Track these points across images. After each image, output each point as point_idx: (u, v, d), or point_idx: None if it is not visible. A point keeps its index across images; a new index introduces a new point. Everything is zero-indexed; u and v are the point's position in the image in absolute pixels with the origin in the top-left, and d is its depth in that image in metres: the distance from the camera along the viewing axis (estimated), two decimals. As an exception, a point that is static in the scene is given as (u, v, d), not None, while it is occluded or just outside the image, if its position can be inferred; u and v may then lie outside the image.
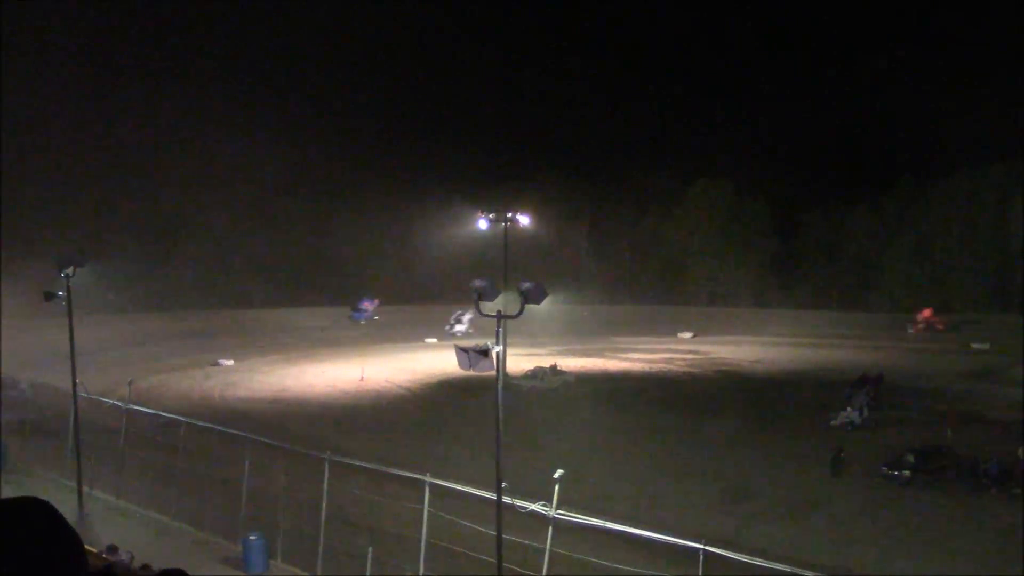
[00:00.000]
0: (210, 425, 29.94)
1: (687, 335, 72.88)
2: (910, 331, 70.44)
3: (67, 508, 25.22)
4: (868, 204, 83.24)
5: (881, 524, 25.44)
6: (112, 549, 16.82)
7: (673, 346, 67.35)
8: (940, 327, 69.74)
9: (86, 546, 2.73)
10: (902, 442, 32.28)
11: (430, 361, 54.39)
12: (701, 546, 16.64)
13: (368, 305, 65.19)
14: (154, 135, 74.85)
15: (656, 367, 57.19)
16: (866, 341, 65.34)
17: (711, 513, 25.35)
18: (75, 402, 28.38)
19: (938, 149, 75.36)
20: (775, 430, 37.21)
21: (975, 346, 63.17)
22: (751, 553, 17.32)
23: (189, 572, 2.28)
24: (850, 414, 38.68)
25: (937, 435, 33.64)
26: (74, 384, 28.11)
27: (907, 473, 29.66)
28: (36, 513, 1.63)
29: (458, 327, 65.71)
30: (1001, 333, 62.21)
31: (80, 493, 26.60)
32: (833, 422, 38.12)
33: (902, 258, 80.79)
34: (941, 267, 79.62)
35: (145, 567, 12.78)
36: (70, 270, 26.48)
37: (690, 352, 63.98)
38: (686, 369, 56.75)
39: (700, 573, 16.49)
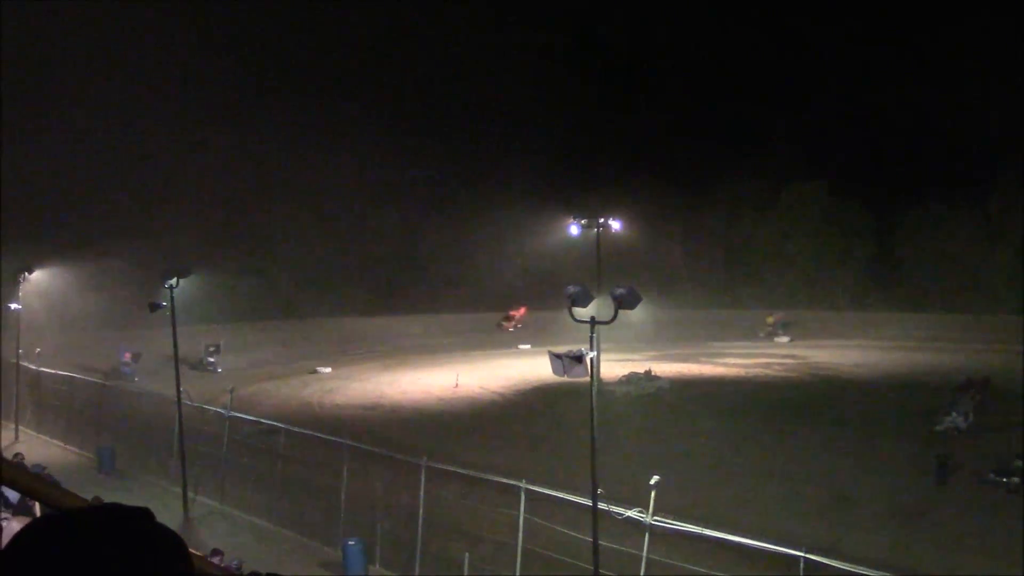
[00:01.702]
0: (309, 432, 30.52)
1: (784, 339, 71.75)
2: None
3: (173, 512, 26.04)
4: (971, 202, 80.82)
5: (989, 532, 24.66)
6: (217, 552, 17.25)
7: (769, 350, 66.32)
8: None
9: (192, 550, 2.80)
10: (1010, 448, 31.18)
11: (524, 367, 54.45)
12: (802, 553, 16.38)
13: (128, 356, 54.67)
14: (249, 145, 76.35)
15: (752, 372, 56.37)
16: (970, 344, 63.37)
17: (811, 520, 24.88)
18: (179, 409, 29.21)
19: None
20: (877, 435, 36.31)
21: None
22: (853, 561, 16.99)
23: None
24: (955, 419, 37.52)
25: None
26: (178, 392, 28.97)
27: (1016, 480, 28.69)
28: (141, 522, 1.67)
29: (210, 359, 58.98)
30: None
31: (185, 498, 27.37)
32: (937, 427, 37.04)
33: (1008, 258, 78.22)
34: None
35: (254, 574, 13.07)
36: (173, 281, 27.39)
37: (787, 356, 62.88)
38: (783, 374, 55.80)
39: (801, 581, 16.23)
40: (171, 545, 1.64)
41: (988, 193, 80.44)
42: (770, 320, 74.87)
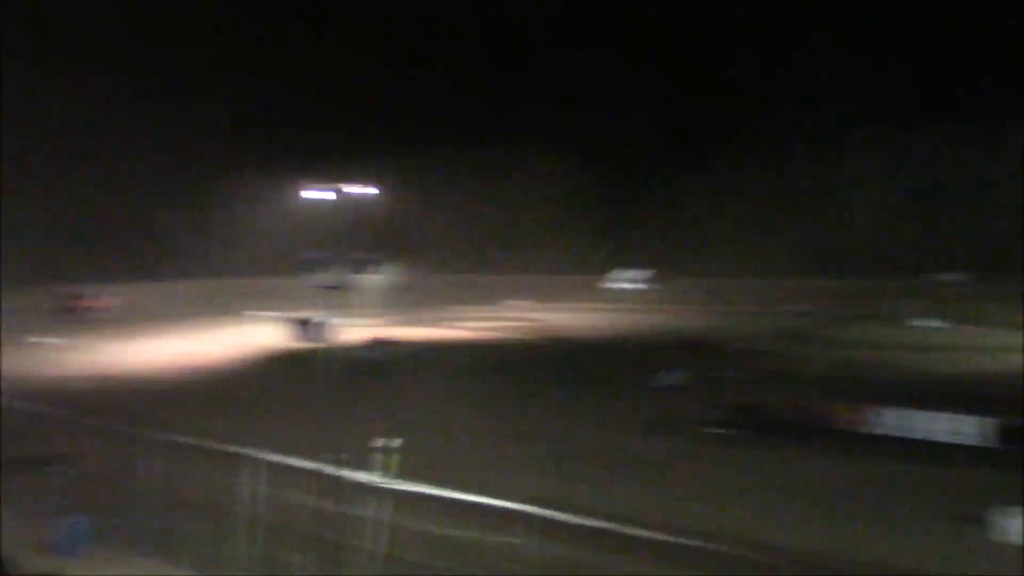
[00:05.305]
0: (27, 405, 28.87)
1: (522, 303, 74.01)
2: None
3: None
4: (702, 168, 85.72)
5: (702, 480, 26.54)
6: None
7: (507, 314, 68.31)
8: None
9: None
10: (723, 401, 33.67)
11: (258, 334, 53.59)
12: (530, 508, 17.08)
13: None
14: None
15: (489, 335, 57.90)
16: (694, 305, 67.84)
17: (537, 475, 25.90)
18: None
19: (769, 111, 78.25)
20: (600, 394, 38.47)
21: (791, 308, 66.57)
22: (574, 512, 17.93)
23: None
24: (674, 375, 40.21)
25: (758, 393, 35.24)
26: None
27: (728, 430, 31.07)
28: None
29: None
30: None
31: None
32: (653, 384, 39.50)
33: (732, 223, 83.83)
34: (763, 231, 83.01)
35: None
36: None
37: (523, 320, 65.02)
38: (518, 337, 57.65)
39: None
40: None
41: (718, 160, 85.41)
42: None
